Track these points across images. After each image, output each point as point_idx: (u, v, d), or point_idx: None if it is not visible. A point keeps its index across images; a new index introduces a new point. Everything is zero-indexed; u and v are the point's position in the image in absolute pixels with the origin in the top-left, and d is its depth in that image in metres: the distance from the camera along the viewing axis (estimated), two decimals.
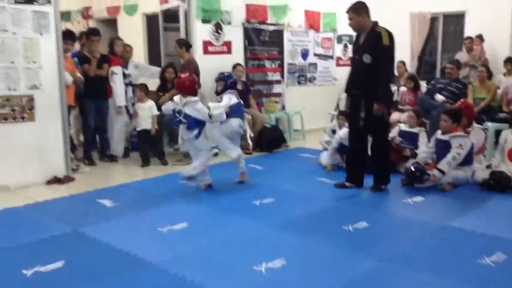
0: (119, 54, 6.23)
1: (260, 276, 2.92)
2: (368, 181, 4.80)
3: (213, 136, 4.92)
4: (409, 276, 2.95)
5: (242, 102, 5.10)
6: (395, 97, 7.61)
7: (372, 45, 4.42)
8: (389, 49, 4.41)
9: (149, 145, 6.04)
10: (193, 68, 5.99)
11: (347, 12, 4.55)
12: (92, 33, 6.19)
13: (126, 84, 6.37)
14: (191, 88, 4.55)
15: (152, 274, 2.97)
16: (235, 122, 4.88)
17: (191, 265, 3.08)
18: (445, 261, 3.13)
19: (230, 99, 4.87)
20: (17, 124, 4.89)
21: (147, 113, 5.90)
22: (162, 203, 4.42)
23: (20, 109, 4.89)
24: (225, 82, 5.02)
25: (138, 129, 5.95)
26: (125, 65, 6.38)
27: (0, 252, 3.31)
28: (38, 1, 4.91)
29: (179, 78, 4.67)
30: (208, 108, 4.56)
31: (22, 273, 2.95)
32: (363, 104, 4.54)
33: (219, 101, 4.90)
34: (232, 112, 4.83)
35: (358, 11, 4.48)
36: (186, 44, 6.31)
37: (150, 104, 5.93)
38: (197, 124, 4.57)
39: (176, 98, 4.63)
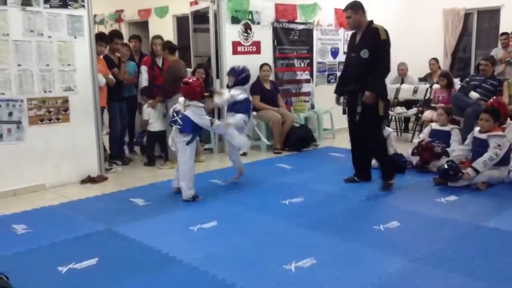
0: (157, 53, 6.23)
1: (290, 275, 2.92)
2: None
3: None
4: (442, 276, 2.89)
5: (250, 99, 5.14)
6: (427, 95, 7.50)
7: (369, 41, 4.58)
8: (386, 44, 4.57)
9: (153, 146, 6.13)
10: (176, 71, 5.84)
11: (345, 10, 4.74)
12: (114, 35, 6.16)
13: None
14: (200, 93, 4.51)
15: (183, 272, 3.01)
16: (239, 116, 4.90)
17: (222, 263, 3.11)
18: (479, 261, 3.06)
19: (238, 93, 4.90)
20: (53, 125, 5.03)
21: (157, 115, 5.94)
22: (192, 202, 4.46)
23: (55, 111, 5.03)
24: (235, 78, 4.99)
25: (152, 129, 5.97)
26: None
27: (36, 249, 3.41)
28: (72, 5, 5.04)
29: (187, 83, 4.50)
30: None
31: (57, 270, 3.04)
32: (360, 98, 4.63)
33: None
34: (239, 107, 4.90)
35: (356, 9, 4.66)
36: (169, 48, 6.18)
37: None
38: (192, 130, 4.44)
39: (181, 99, 4.57)
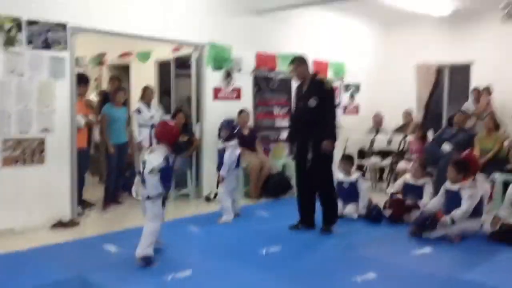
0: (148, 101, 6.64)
1: None
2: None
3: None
4: None
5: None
6: (402, 146, 7.65)
7: (316, 90, 4.94)
8: (331, 93, 4.98)
9: None
10: None
11: (289, 64, 5.15)
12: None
13: (151, 126, 6.45)
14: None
15: None
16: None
17: None
18: None
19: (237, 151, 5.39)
20: (27, 167, 4.93)
21: None
22: (165, 249, 4.36)
23: (31, 152, 4.95)
24: (230, 131, 5.36)
25: None
26: (148, 107, 6.65)
27: None
28: (55, 47, 5.07)
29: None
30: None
31: None
32: (311, 146, 4.88)
33: (223, 147, 5.36)
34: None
35: (299, 63, 5.07)
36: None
37: None
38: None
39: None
